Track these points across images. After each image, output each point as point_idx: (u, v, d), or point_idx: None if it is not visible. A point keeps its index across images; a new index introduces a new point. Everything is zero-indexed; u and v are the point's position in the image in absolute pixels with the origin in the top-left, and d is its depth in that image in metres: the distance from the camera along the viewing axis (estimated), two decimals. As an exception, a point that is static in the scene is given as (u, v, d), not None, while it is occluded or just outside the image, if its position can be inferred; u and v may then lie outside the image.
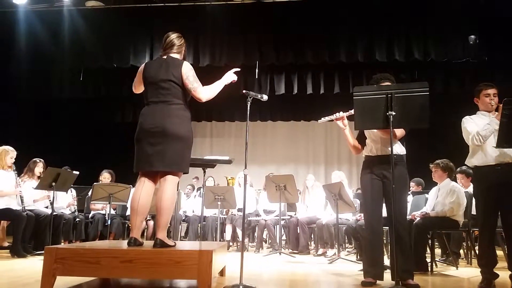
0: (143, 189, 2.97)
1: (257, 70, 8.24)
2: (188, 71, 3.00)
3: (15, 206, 5.15)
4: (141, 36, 8.17)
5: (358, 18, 7.74)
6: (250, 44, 8.06)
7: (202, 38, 8.10)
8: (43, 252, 2.71)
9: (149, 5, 8.08)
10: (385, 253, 3.95)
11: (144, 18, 8.12)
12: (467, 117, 3.58)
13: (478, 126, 3.42)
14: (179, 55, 3.14)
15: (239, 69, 3.29)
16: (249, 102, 3.30)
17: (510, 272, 3.34)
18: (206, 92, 3.05)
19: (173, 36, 3.14)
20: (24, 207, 5.10)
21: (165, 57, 3.09)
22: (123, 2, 8.13)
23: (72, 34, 8.17)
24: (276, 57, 8.05)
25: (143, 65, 3.18)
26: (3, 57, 8.24)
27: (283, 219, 6.45)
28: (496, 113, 3.40)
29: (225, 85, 3.22)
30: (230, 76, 3.23)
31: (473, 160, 3.51)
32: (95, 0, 8.09)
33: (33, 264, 4.30)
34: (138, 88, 3.24)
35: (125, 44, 8.23)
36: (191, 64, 8.08)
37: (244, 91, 3.36)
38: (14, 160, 5.32)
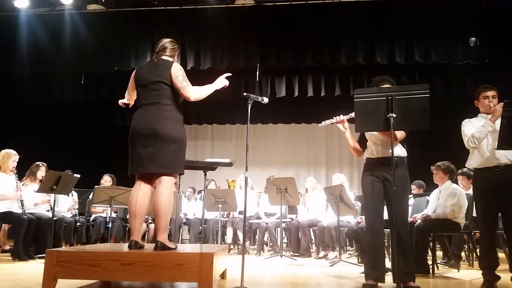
0: (140, 191, 2.97)
1: (257, 73, 8.24)
2: (177, 71, 3.00)
3: (16, 209, 5.15)
4: (142, 39, 8.18)
5: (359, 21, 7.75)
6: (251, 47, 8.08)
7: (203, 41, 8.11)
8: (44, 255, 2.71)
9: (150, 8, 8.11)
10: (386, 255, 3.95)
11: (145, 21, 8.14)
12: (466, 120, 3.59)
13: (476, 129, 3.43)
14: (171, 59, 3.15)
15: (230, 74, 3.28)
16: (249, 105, 3.31)
17: (511, 274, 3.33)
18: (194, 92, 3.03)
19: (166, 40, 3.19)
20: (24, 210, 5.11)
21: (155, 59, 3.11)
22: (124, 6, 8.15)
23: (73, 37, 8.19)
24: (277, 60, 8.05)
25: (135, 70, 3.20)
26: (5, 60, 8.26)
27: (284, 222, 6.44)
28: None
29: (218, 89, 3.21)
30: (221, 81, 3.22)
31: (472, 162, 3.53)
32: (96, 4, 8.11)
33: (35, 268, 4.30)
34: (131, 94, 3.26)
35: (126, 47, 8.24)
36: (192, 67, 8.08)
37: (244, 93, 3.38)
38: (16, 164, 5.33)
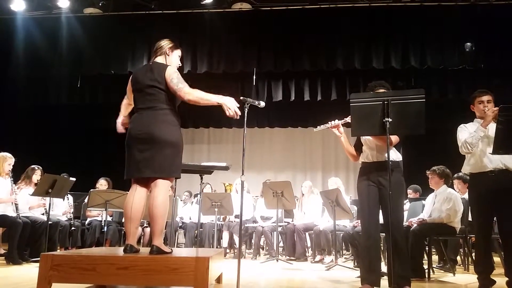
0: (135, 195, 2.96)
1: (254, 77, 8.26)
2: (171, 74, 2.97)
3: (11, 213, 5.12)
4: (139, 43, 8.18)
5: (355, 25, 7.78)
6: (248, 51, 8.09)
7: (200, 45, 8.12)
8: (38, 259, 2.69)
9: (147, 12, 8.11)
10: (382, 259, 3.95)
11: (142, 25, 8.14)
12: (462, 125, 3.61)
13: (469, 134, 3.44)
14: (164, 57, 3.12)
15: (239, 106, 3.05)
16: (246, 109, 3.30)
17: (507, 279, 3.34)
18: (192, 93, 2.92)
19: (161, 40, 3.18)
20: (18, 214, 5.07)
21: (151, 63, 3.11)
22: (121, 9, 8.15)
23: (70, 41, 8.19)
24: (274, 64, 8.07)
25: (132, 73, 3.20)
26: (2, 63, 8.24)
27: (280, 226, 6.43)
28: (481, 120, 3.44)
29: (220, 104, 2.97)
30: (231, 103, 2.94)
31: (467, 167, 3.55)
32: (93, 7, 8.11)
33: (29, 271, 4.27)
34: (130, 97, 3.24)
35: (123, 51, 8.24)
36: (189, 70, 8.05)
37: (241, 97, 3.37)
38: (11, 167, 5.31)
